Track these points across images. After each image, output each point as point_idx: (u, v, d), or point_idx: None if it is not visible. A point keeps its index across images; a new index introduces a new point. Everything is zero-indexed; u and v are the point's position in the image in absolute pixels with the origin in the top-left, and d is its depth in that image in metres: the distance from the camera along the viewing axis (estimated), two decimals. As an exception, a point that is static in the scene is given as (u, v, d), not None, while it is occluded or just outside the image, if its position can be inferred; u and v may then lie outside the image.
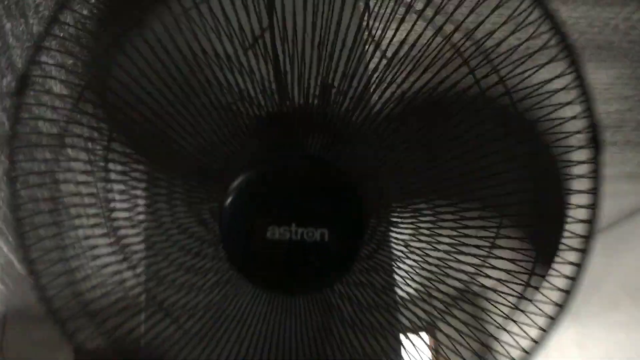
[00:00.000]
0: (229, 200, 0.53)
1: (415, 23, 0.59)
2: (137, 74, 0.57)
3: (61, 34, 0.58)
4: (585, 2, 2.20)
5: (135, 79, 0.57)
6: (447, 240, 0.67)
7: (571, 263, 0.64)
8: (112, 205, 0.62)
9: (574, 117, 0.59)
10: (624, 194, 4.14)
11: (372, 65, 0.64)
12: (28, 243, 0.65)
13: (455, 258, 0.66)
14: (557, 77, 0.60)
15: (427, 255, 0.66)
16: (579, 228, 0.62)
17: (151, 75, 0.56)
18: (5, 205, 3.01)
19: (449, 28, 0.60)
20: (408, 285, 0.69)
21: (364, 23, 0.62)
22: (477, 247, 0.64)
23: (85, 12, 0.56)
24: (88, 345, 0.75)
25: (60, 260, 0.68)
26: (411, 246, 0.67)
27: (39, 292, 0.67)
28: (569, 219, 0.62)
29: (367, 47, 0.64)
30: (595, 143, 0.60)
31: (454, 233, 0.65)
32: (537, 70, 0.60)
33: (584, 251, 0.62)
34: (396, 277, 0.69)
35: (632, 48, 2.49)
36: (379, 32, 0.65)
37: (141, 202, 0.65)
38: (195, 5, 0.59)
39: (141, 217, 0.64)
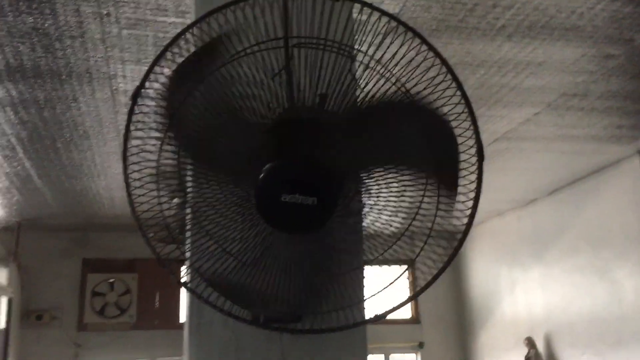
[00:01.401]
0: (261, 178, 0.94)
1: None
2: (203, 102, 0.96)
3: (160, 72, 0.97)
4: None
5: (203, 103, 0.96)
6: (394, 189, 1.08)
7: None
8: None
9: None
10: (590, 153, 4.50)
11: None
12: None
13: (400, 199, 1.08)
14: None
15: (383, 199, 1.08)
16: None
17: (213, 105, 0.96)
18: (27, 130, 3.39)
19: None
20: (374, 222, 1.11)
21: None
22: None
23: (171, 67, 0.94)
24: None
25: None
26: (373, 194, 1.09)
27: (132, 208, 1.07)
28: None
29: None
30: (479, 153, 1.00)
31: (396, 184, 1.07)
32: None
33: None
34: (365, 217, 1.11)
35: (596, 32, 2.82)
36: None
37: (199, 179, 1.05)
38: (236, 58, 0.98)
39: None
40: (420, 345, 6.95)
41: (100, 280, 6.34)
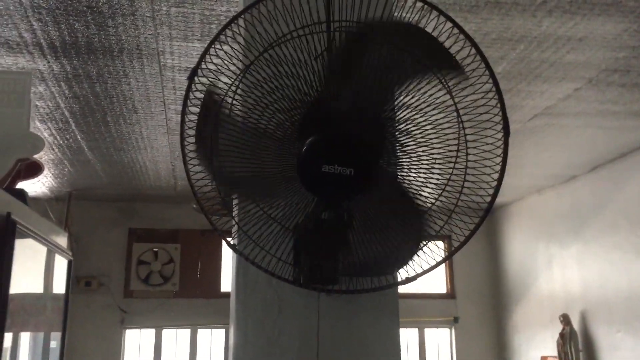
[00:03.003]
0: (303, 150, 1.04)
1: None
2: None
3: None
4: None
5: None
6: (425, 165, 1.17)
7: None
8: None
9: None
10: (630, 129, 4.45)
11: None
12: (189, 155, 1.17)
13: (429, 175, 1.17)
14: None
15: (412, 178, 1.17)
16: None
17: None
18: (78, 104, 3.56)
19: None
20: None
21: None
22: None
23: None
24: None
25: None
26: (404, 177, 1.18)
27: (190, 183, 1.19)
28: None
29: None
30: (505, 129, 1.08)
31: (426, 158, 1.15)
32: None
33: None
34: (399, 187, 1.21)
35: (638, 7, 2.80)
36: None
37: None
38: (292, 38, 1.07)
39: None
40: (455, 320, 7.04)
41: (145, 249, 6.60)
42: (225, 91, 1.07)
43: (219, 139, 1.07)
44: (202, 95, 1.08)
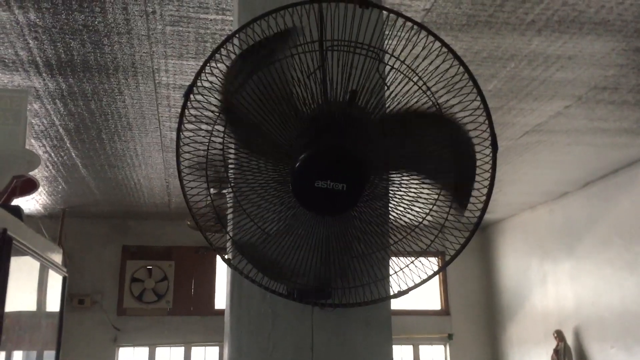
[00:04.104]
0: (297, 165, 1.07)
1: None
2: (252, 98, 1.09)
3: (213, 69, 1.10)
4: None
5: (250, 102, 1.09)
6: (414, 188, 1.19)
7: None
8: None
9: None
10: (621, 146, 4.50)
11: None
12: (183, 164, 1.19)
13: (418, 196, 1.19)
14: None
15: (402, 194, 1.20)
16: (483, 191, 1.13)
17: (259, 96, 1.08)
18: (73, 121, 3.58)
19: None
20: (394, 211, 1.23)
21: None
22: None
23: (227, 62, 1.07)
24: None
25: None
26: (394, 193, 1.21)
27: (186, 199, 1.21)
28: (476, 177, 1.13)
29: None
30: (493, 144, 1.11)
31: (416, 184, 1.18)
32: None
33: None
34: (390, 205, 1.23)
35: (625, 26, 2.86)
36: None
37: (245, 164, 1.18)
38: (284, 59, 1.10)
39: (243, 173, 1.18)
40: (450, 337, 7.03)
41: (139, 266, 6.59)
42: (217, 114, 1.10)
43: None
44: (198, 113, 1.10)
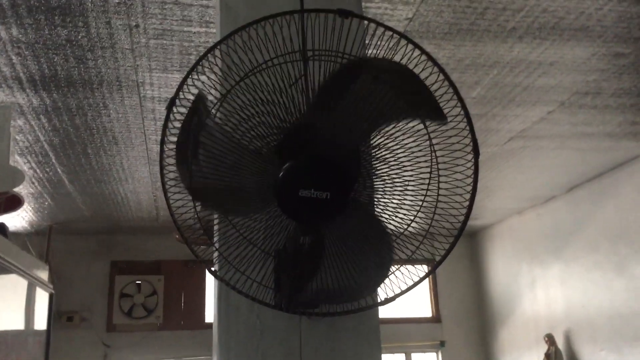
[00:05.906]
0: (281, 175, 1.07)
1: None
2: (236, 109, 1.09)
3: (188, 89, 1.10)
4: None
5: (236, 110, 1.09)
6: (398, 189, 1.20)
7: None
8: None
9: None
10: (605, 150, 4.55)
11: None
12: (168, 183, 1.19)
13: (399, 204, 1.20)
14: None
15: (386, 200, 1.20)
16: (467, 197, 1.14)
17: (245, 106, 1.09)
18: (60, 136, 3.56)
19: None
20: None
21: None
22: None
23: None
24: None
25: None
26: (379, 199, 1.21)
27: (171, 212, 1.21)
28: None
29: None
30: (475, 150, 1.12)
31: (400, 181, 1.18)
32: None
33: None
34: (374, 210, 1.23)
35: (605, 32, 2.90)
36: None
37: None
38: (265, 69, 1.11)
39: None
40: (442, 344, 7.03)
41: (128, 282, 6.53)
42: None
43: (199, 147, 1.09)
44: (180, 125, 1.11)
